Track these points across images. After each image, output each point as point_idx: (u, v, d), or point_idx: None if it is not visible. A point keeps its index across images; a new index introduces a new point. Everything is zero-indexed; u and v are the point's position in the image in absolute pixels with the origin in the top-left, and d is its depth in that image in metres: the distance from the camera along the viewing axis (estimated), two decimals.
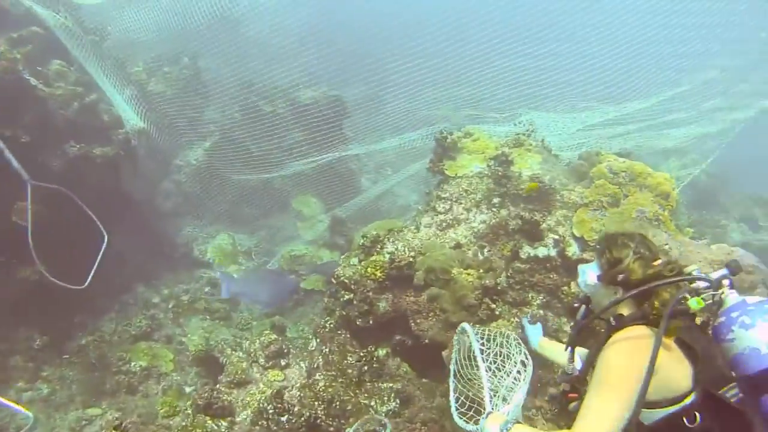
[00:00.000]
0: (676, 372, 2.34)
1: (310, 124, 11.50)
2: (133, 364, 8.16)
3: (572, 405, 2.62)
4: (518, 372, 3.32)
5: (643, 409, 2.28)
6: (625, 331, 2.44)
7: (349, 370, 6.41)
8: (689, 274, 2.48)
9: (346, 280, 6.68)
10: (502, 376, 3.38)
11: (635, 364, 2.24)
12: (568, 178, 7.39)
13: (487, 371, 3.28)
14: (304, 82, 12.61)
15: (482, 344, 3.48)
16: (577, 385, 2.68)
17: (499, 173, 7.03)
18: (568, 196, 6.91)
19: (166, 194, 11.60)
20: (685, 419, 2.28)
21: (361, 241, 6.93)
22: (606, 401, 2.25)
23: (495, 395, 3.18)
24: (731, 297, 2.40)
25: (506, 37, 10.53)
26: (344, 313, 6.78)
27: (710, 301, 2.40)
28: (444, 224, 6.97)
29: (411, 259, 6.48)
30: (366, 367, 6.42)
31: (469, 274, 6.28)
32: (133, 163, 9.90)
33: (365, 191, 12.12)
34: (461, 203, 7.09)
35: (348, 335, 6.87)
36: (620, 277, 2.62)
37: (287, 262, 10.36)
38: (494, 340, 3.53)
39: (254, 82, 11.94)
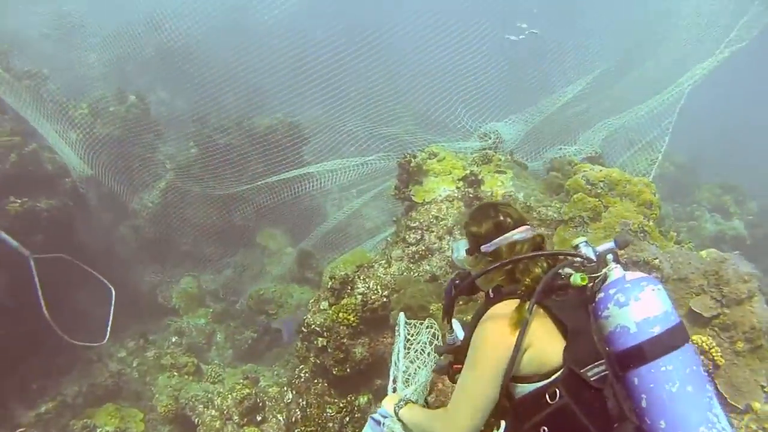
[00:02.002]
0: (548, 347, 2.31)
1: (269, 153, 11.07)
2: (99, 430, 7.60)
3: (457, 376, 2.56)
4: (424, 353, 3.37)
5: (516, 383, 2.32)
6: (500, 305, 2.41)
7: (330, 424, 5.99)
8: (575, 247, 2.48)
9: (318, 328, 6.25)
10: (414, 360, 3.44)
11: (504, 340, 2.25)
12: (543, 192, 7.07)
13: (404, 358, 3.39)
14: (258, 110, 12.20)
15: (410, 334, 3.57)
16: (460, 356, 2.58)
17: (470, 195, 6.68)
18: (546, 213, 6.58)
19: (124, 241, 11.03)
20: (547, 395, 2.27)
21: (330, 283, 6.49)
22: (476, 379, 2.31)
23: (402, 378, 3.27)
24: (613, 272, 2.35)
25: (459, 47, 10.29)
26: (319, 361, 6.35)
27: (597, 276, 2.38)
28: (417, 256, 6.55)
29: (385, 299, 6.08)
30: (347, 419, 5.99)
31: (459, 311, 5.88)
32: (85, 213, 9.37)
33: (330, 218, 11.73)
34: (433, 231, 6.70)
35: (325, 384, 6.42)
36: (483, 247, 2.59)
37: (255, 303, 9.88)
38: (420, 330, 3.58)
39: (207, 114, 11.49)
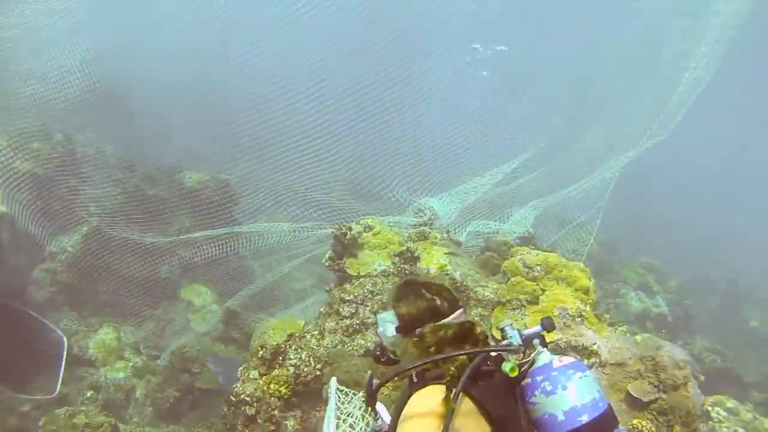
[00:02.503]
0: None
1: (199, 208, 10.95)
2: None
3: None
4: (356, 428, 3.33)
5: None
6: (423, 392, 2.33)
7: None
8: (502, 330, 2.51)
9: (248, 398, 6.16)
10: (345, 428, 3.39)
11: (429, 428, 2.17)
12: (479, 271, 7.28)
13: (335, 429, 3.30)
14: (189, 163, 12.09)
15: (341, 402, 3.53)
16: None
17: (406, 271, 6.82)
18: (482, 293, 6.78)
19: (38, 285, 10.53)
20: None
21: (260, 352, 6.45)
22: None
23: None
24: (541, 357, 2.40)
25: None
26: (248, 431, 6.25)
27: (523, 366, 2.41)
28: (351, 329, 6.62)
29: (318, 372, 6.09)
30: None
31: (385, 387, 5.94)
32: None
33: (258, 279, 11.64)
34: (367, 306, 6.79)
35: None
36: (418, 331, 2.52)
37: (179, 361, 9.62)
38: (351, 400, 3.58)
39: (136, 162, 11.28)
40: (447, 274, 6.87)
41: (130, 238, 10.57)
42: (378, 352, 2.81)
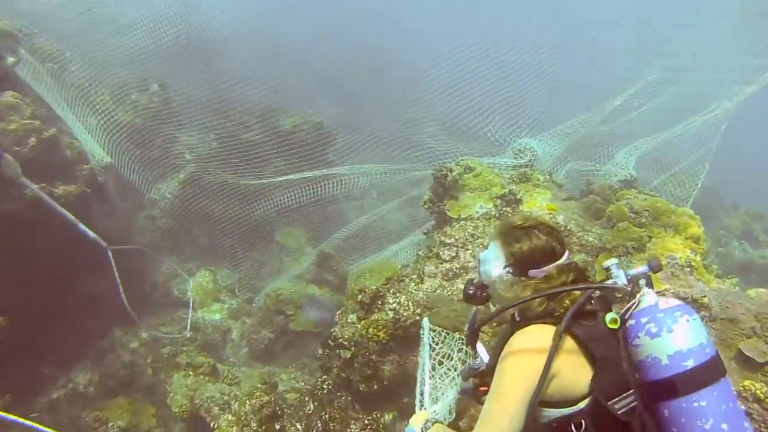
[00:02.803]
0: (576, 376, 2.25)
1: (292, 151, 10.91)
2: (110, 425, 7.48)
3: (483, 398, 2.47)
4: (451, 370, 3.43)
5: (542, 408, 2.26)
6: (526, 331, 2.34)
7: None
8: (607, 269, 2.42)
9: (346, 342, 6.10)
10: (443, 377, 3.50)
11: (530, 369, 2.19)
12: (582, 215, 6.90)
13: (431, 370, 3.46)
14: (282, 106, 12.02)
15: (435, 343, 3.64)
16: (487, 378, 2.59)
17: (509, 214, 6.52)
18: (586, 238, 6.42)
19: (141, 231, 10.87)
20: (572, 425, 2.22)
21: (359, 296, 6.33)
22: (500, 409, 2.21)
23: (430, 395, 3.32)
24: (646, 298, 2.32)
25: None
26: (344, 375, 6.21)
27: (628, 304, 2.35)
28: (450, 273, 6.39)
29: (417, 317, 5.92)
30: None
31: (483, 332, 5.75)
32: (102, 201, 9.21)
33: (352, 221, 11.58)
34: (468, 249, 6.53)
35: (349, 398, 6.28)
36: (531, 271, 2.49)
37: (273, 303, 9.73)
38: (445, 341, 3.67)
39: (230, 109, 11.31)
40: (550, 218, 6.52)
41: (225, 183, 10.69)
42: (471, 291, 2.74)
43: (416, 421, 2.77)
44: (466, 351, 3.49)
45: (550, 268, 2.48)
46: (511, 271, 2.54)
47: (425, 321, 3.85)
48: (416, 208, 11.80)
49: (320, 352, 6.98)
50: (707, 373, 2.12)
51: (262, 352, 9.37)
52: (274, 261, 11.16)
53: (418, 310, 5.98)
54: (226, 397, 7.41)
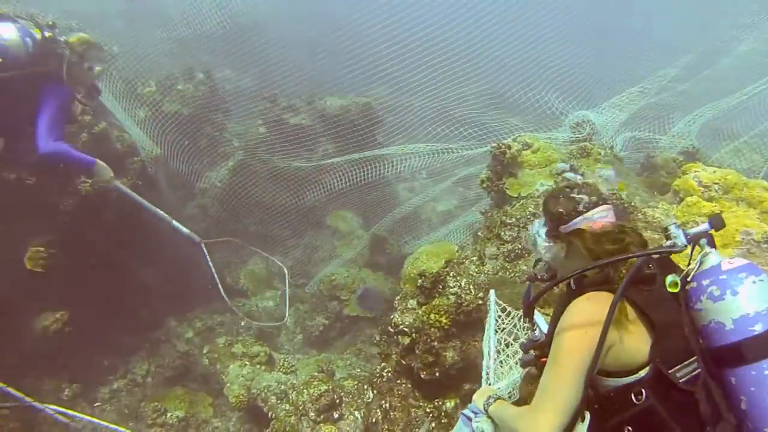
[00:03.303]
0: (634, 344, 2.17)
1: (341, 134, 10.70)
2: (169, 414, 7.45)
3: None
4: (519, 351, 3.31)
5: (601, 377, 2.22)
6: (582, 299, 2.29)
7: (416, 430, 5.65)
8: (665, 229, 2.36)
9: (407, 329, 5.87)
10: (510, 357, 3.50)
11: (586, 338, 2.13)
12: (646, 190, 6.53)
13: (497, 345, 3.47)
14: (328, 88, 11.82)
15: (501, 318, 3.66)
16: (546, 349, 2.44)
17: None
18: (652, 214, 6.03)
19: (193, 220, 10.79)
20: (632, 395, 2.15)
21: (420, 281, 6.08)
22: (558, 378, 2.17)
23: (495, 371, 3.34)
24: (708, 258, 2.21)
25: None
26: (404, 362, 6.00)
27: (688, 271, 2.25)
28: (513, 254, 6.05)
29: (479, 301, 5.65)
30: (434, 424, 5.63)
31: (548, 313, 5.45)
32: (153, 192, 9.16)
33: (402, 202, 11.35)
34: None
35: (410, 385, 6.08)
36: (563, 228, 2.48)
37: (327, 288, 9.59)
38: (512, 320, 3.68)
39: (276, 94, 11.14)
40: (613, 193, 6.16)
41: (275, 169, 10.56)
42: (535, 273, 2.74)
43: (479, 396, 2.76)
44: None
45: (579, 221, 2.43)
46: (553, 236, 2.53)
47: (491, 294, 3.86)
48: (467, 187, 11.53)
49: (378, 338, 6.79)
50: None
51: (317, 339, 9.25)
52: (326, 245, 10.98)
53: (480, 293, 5.72)
54: (283, 387, 7.25)
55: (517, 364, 3.51)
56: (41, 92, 5.52)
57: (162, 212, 7.01)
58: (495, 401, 2.65)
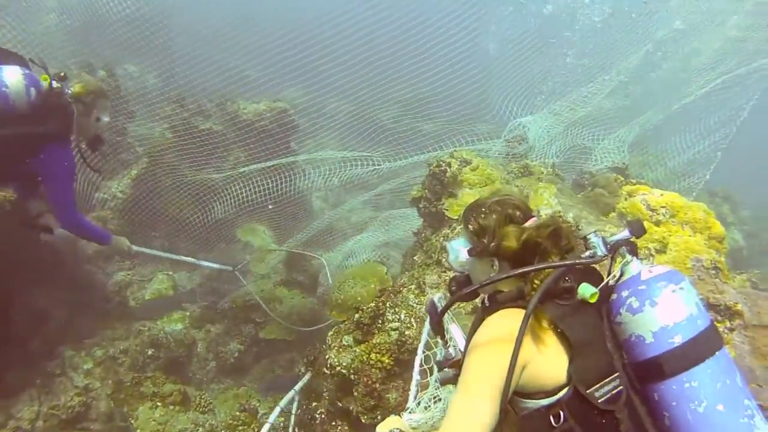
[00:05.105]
0: (550, 363, 2.08)
1: (254, 141, 10.00)
2: None
3: None
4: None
5: (518, 398, 2.12)
6: (495, 316, 2.19)
7: None
8: (584, 239, 2.26)
9: (344, 371, 5.31)
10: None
11: (498, 358, 2.00)
12: (590, 211, 6.29)
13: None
14: (239, 88, 11.06)
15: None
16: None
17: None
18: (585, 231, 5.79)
19: None
20: (551, 417, 2.06)
21: (357, 316, 5.53)
22: (468, 399, 2.01)
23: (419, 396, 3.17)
24: (629, 268, 2.16)
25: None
26: (340, 404, 5.45)
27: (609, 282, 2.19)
28: None
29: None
30: None
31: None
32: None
33: (317, 213, 10.81)
34: None
35: (347, 428, 5.54)
36: (492, 246, 2.31)
37: (241, 310, 8.89)
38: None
39: (184, 94, 10.27)
40: (560, 216, 5.87)
41: (182, 178, 9.72)
42: (453, 286, 2.58)
43: (383, 428, 2.53)
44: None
45: (509, 233, 2.26)
46: (474, 251, 2.39)
47: (435, 297, 3.56)
48: (380, 197, 11.12)
49: (303, 370, 6.23)
50: (699, 348, 1.94)
51: (232, 367, 8.51)
52: (236, 262, 10.24)
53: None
54: (201, 429, 6.53)
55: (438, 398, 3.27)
56: (44, 156, 5.05)
57: (184, 258, 7.68)
58: None
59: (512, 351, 1.94)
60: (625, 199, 6.19)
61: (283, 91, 12.00)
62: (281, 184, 9.57)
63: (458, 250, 2.51)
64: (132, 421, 6.89)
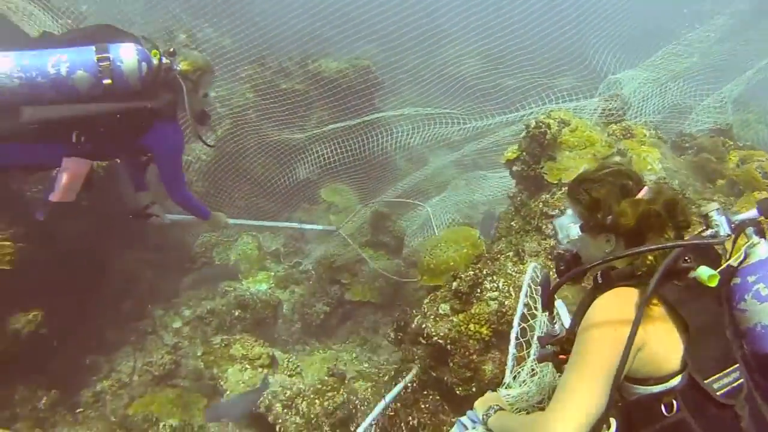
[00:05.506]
0: (666, 348, 1.93)
1: (337, 99, 9.78)
2: (162, 424, 6.66)
3: (564, 366, 2.19)
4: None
5: (629, 383, 1.97)
6: (608, 295, 2.03)
7: None
8: (706, 216, 2.10)
9: (441, 341, 5.10)
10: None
11: (612, 340, 1.86)
12: (696, 178, 5.80)
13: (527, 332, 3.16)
14: (320, 50, 10.83)
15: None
16: (566, 346, 2.22)
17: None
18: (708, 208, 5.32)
19: None
20: (662, 405, 1.90)
21: (455, 284, 5.27)
22: (581, 379, 1.89)
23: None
24: (756, 251, 1.94)
25: None
26: (434, 374, 5.27)
27: (731, 260, 1.99)
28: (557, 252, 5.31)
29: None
30: None
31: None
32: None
33: (402, 173, 10.54)
34: None
35: (438, 397, 5.35)
36: (608, 219, 2.16)
37: (326, 271, 8.80)
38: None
39: (265, 55, 10.11)
40: (665, 183, 5.43)
41: (265, 138, 9.64)
42: (562, 267, 2.43)
43: (481, 404, 2.52)
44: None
45: (625, 207, 2.10)
46: (588, 227, 2.26)
47: (530, 268, 3.49)
48: (465, 156, 10.78)
49: (393, 336, 6.08)
50: None
51: (317, 328, 8.46)
52: (320, 222, 10.13)
53: None
54: (288, 392, 6.47)
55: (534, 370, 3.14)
56: (156, 133, 5.02)
57: (284, 223, 8.15)
58: (496, 412, 2.37)
59: (629, 333, 1.83)
60: (738, 166, 5.67)
61: (360, 48, 11.69)
62: (366, 143, 9.39)
63: (568, 226, 2.37)
64: (221, 383, 6.93)
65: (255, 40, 9.90)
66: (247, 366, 7.01)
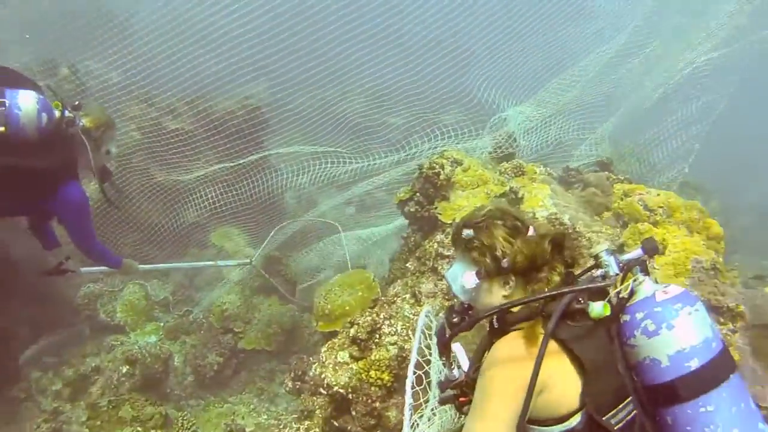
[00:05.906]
0: (563, 387, 2.00)
1: (227, 139, 9.55)
2: None
3: (465, 408, 2.30)
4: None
5: (530, 425, 2.03)
6: (506, 339, 2.11)
7: None
8: (596, 257, 2.17)
9: (342, 390, 4.96)
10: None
11: (514, 382, 1.93)
12: (584, 212, 6.03)
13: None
14: (211, 89, 10.57)
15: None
16: (466, 388, 2.34)
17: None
18: (597, 241, 5.53)
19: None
20: None
21: (352, 330, 5.17)
22: (486, 426, 1.94)
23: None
24: (642, 288, 2.04)
25: None
26: (336, 423, 5.11)
27: (619, 296, 2.05)
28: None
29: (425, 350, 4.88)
30: None
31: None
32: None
33: (292, 214, 10.39)
34: None
35: None
36: (505, 264, 2.18)
37: (218, 319, 8.46)
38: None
39: (150, 93, 9.74)
40: (556, 218, 5.60)
41: (150, 181, 9.23)
42: (456, 319, 2.39)
43: None
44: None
45: (520, 247, 2.19)
46: (484, 273, 2.24)
47: (423, 311, 3.49)
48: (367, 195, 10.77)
49: (290, 386, 5.90)
50: (714, 373, 1.87)
51: (211, 380, 8.06)
52: (209, 268, 9.75)
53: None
54: None
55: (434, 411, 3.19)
56: (60, 196, 4.72)
57: (197, 263, 7.98)
58: None
59: (530, 374, 1.89)
60: (621, 199, 5.95)
61: (244, 85, 11.51)
62: (254, 184, 9.18)
63: (461, 276, 2.33)
64: None
65: (143, 79, 9.55)
66: (139, 429, 6.46)
